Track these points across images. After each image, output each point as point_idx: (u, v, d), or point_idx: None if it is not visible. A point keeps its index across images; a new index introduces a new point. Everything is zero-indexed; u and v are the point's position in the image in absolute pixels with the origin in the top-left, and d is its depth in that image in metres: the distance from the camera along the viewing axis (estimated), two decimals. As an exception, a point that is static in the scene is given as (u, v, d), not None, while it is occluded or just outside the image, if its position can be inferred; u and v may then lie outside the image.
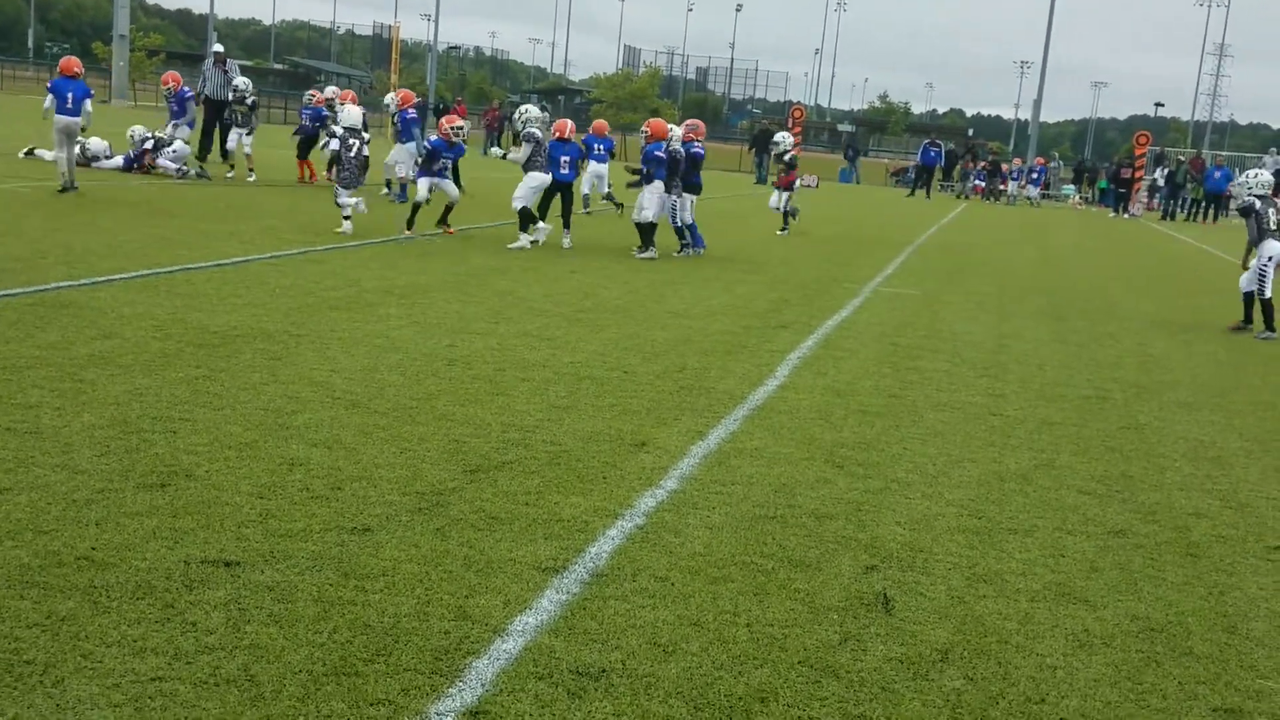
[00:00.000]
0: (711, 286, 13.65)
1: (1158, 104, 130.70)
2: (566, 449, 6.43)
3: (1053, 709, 3.96)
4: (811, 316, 12.04)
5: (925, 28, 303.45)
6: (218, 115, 22.37)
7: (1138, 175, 43.83)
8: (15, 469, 5.21)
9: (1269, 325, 13.45)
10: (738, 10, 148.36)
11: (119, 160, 20.83)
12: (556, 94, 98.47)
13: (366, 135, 16.09)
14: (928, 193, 44.17)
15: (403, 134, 20.39)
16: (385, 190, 20.90)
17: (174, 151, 20.75)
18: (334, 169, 16.80)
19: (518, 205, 15.57)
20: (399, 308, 10.10)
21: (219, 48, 23.67)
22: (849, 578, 4.95)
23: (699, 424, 7.25)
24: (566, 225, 16.28)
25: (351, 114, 15.80)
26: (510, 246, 15.33)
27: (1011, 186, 46.23)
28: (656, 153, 16.07)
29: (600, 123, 23.42)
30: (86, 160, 21.19)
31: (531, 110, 16.55)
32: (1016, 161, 53.36)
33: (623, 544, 5.10)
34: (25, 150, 21.28)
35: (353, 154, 15.33)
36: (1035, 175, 46.76)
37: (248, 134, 21.38)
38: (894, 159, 68.33)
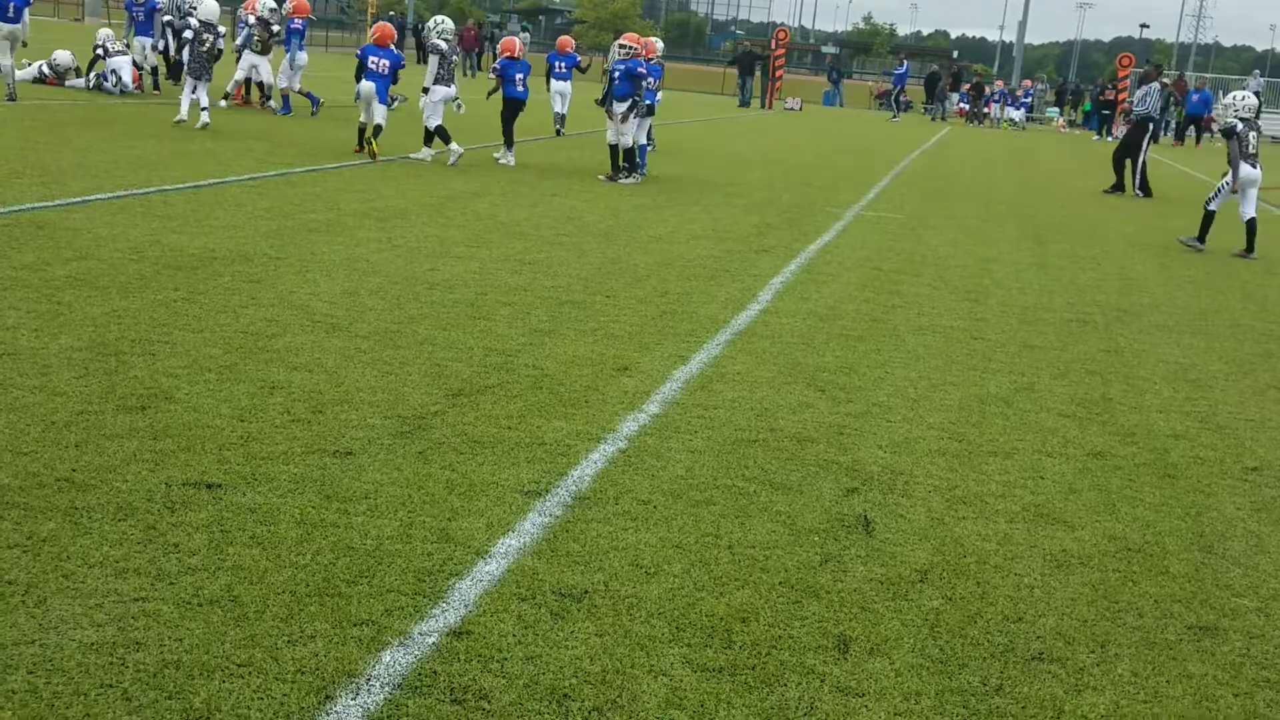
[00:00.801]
0: (693, 210, 13.58)
1: (1143, 25, 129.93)
2: (548, 373, 6.42)
3: (1030, 627, 4.01)
4: (794, 241, 12.00)
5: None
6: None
7: (1121, 98, 43.64)
8: (-7, 391, 5.18)
9: (1200, 236, 13.82)
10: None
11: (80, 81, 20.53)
12: (538, 14, 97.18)
13: (221, 30, 17.19)
14: (895, 111, 44.90)
15: (286, 44, 20.15)
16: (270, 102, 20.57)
17: (113, 70, 20.28)
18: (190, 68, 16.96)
19: (431, 124, 15.28)
20: (378, 231, 10.03)
21: None
22: (830, 500, 4.98)
23: (681, 348, 7.24)
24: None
25: (209, 8, 16.80)
26: (411, 156, 15.44)
27: (995, 109, 46.01)
28: (639, 69, 15.79)
29: (564, 39, 23.22)
30: (58, 76, 20.88)
31: (446, 24, 15.97)
32: (999, 84, 52.99)
33: (605, 468, 5.11)
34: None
35: (205, 48, 16.48)
36: (1023, 99, 46.57)
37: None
38: (878, 81, 67.76)
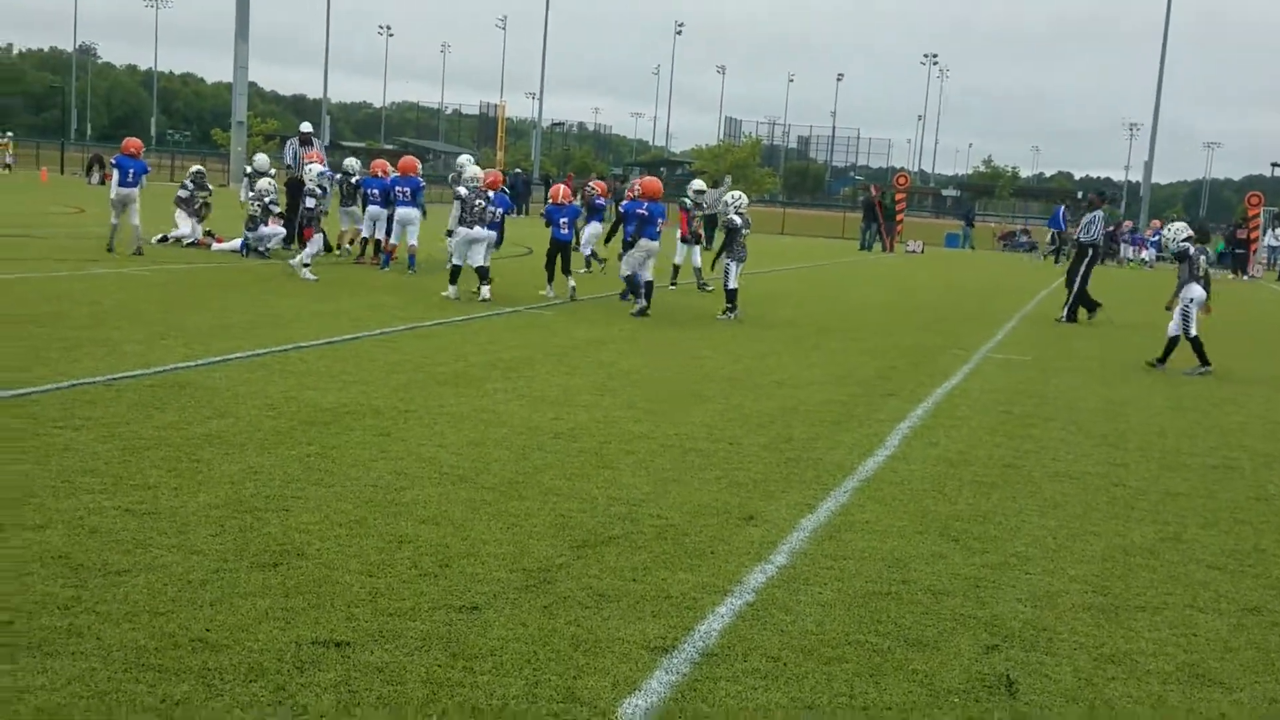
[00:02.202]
0: (813, 355, 13.54)
1: (1275, 164, 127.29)
2: (673, 523, 6.36)
3: (1191, 798, 3.77)
4: (919, 385, 11.85)
5: (1028, 91, 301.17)
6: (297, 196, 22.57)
7: (1253, 236, 42.82)
8: (133, 550, 5.29)
9: (1203, 362, 14.32)
10: (839, 80, 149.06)
11: (236, 243, 21.32)
12: (659, 166, 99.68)
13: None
14: (1056, 257, 43.40)
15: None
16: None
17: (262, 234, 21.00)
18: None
19: (458, 262, 16.62)
20: (504, 381, 10.16)
21: (307, 127, 23.98)
22: (969, 658, 4.79)
23: (808, 496, 7.13)
24: (566, 272, 17.71)
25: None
26: (443, 295, 16.43)
27: (1127, 250, 45.42)
28: (638, 210, 17.30)
29: (598, 183, 24.63)
30: (202, 240, 21.83)
31: (468, 170, 17.57)
32: (1128, 224, 52.43)
33: (733, 622, 5.00)
34: (158, 237, 21.79)
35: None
36: (1152, 238, 45.93)
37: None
38: (1001, 223, 67.50)
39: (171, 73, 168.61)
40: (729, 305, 16.70)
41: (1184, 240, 14.71)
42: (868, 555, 6.06)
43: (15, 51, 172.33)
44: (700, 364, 12.18)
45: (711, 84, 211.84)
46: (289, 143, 24.55)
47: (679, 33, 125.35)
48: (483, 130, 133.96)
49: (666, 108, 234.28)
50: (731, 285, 16.76)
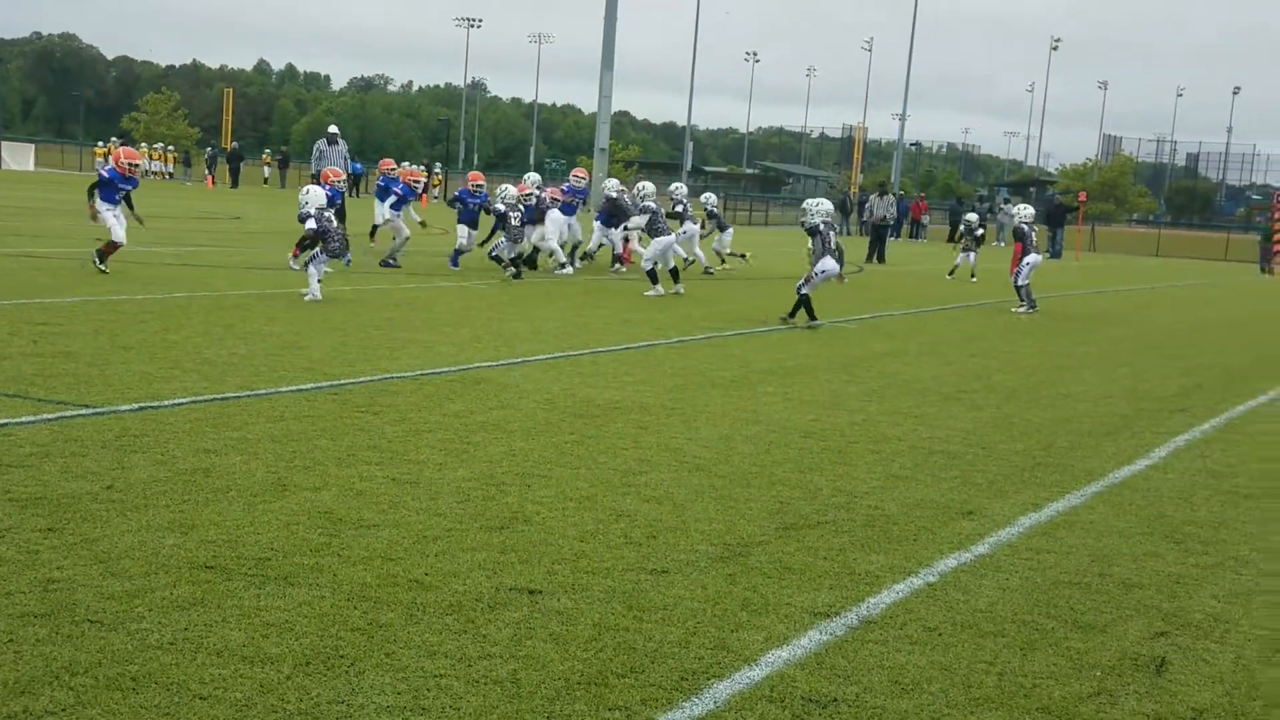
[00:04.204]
0: (1120, 371, 13.19)
1: None
2: (887, 514, 6.60)
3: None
4: (1222, 402, 11.38)
5: None
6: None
7: None
8: (387, 510, 6.08)
9: None
10: (1235, 93, 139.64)
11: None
12: (1028, 186, 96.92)
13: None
14: None
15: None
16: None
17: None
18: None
19: (647, 265, 18.63)
20: (778, 386, 10.57)
21: (333, 129, 26.75)
22: (1131, 641, 4.84)
23: (1038, 497, 7.18)
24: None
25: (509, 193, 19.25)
26: (646, 294, 17.93)
27: None
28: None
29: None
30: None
31: (648, 187, 21.36)
32: None
33: (905, 597, 5.24)
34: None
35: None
36: None
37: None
38: None
39: (553, 104, 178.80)
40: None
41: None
42: (1073, 550, 6.11)
43: (415, 88, 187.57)
44: (986, 376, 12.16)
45: (1092, 98, 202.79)
46: (316, 145, 26.76)
47: (1055, 48, 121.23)
48: (844, 153, 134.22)
49: (1039, 125, 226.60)
50: (1019, 282, 19.31)
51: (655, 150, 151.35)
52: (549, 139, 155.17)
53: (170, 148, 69.25)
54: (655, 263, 18.67)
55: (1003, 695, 4.25)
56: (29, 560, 4.95)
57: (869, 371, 11.91)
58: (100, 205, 15.98)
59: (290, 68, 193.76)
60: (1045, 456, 8.35)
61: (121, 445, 6.88)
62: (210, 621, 4.47)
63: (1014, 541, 6.20)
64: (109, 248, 15.85)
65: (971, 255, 27.51)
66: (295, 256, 15.91)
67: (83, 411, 7.65)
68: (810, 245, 15.77)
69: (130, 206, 16.63)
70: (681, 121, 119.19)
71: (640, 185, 22.74)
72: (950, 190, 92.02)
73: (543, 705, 3.99)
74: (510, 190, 19.53)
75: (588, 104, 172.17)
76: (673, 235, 19.42)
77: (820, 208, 15.94)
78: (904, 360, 12.94)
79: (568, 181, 23.70)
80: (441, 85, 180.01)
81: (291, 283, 15.63)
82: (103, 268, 15.68)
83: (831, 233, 15.79)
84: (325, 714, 3.83)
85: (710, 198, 25.52)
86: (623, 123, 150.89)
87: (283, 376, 9.34)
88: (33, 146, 70.24)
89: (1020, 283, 19.45)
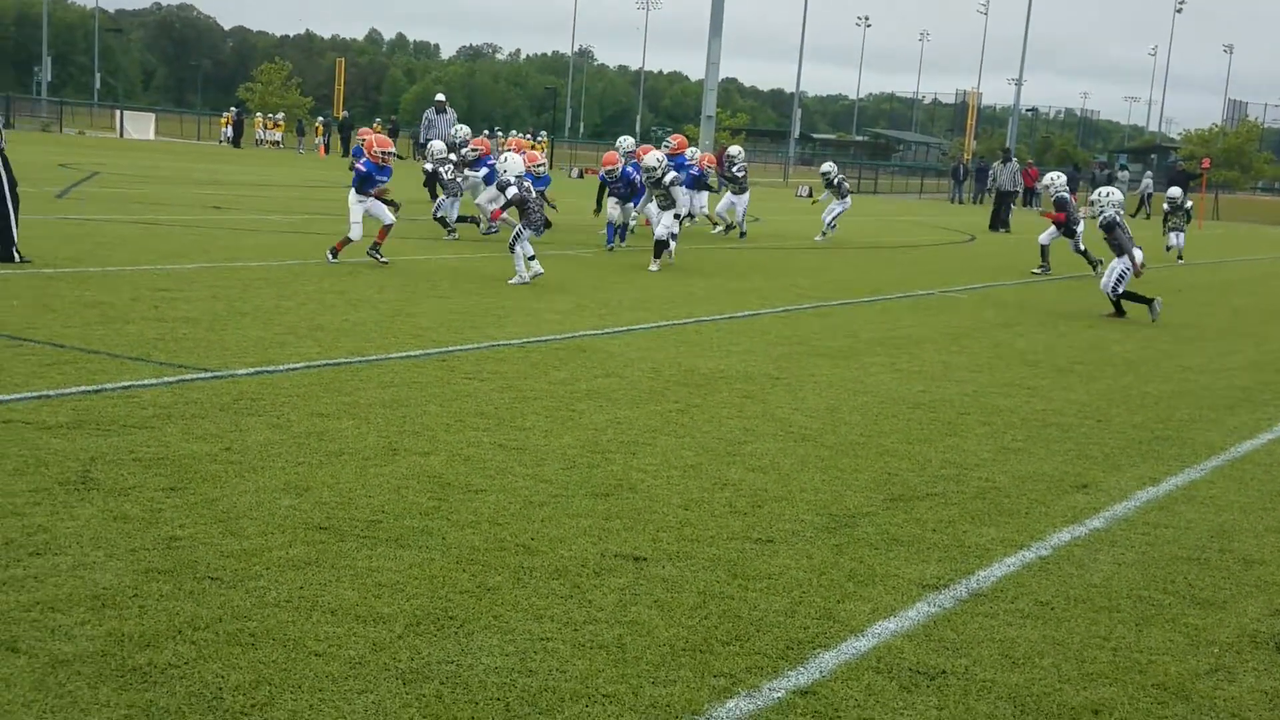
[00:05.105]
0: (1243, 343, 12.82)
1: None
2: (998, 486, 6.50)
3: None
4: (1349, 373, 10.99)
5: None
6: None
7: None
8: (495, 475, 6.14)
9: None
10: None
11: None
12: (1149, 152, 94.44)
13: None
14: None
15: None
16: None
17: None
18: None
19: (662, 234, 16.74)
20: (886, 356, 10.46)
21: (440, 96, 27.50)
22: (1251, 618, 4.72)
23: (1156, 470, 7.02)
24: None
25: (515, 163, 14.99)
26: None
27: None
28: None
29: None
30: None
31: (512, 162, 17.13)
32: None
33: (1016, 571, 5.16)
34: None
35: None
36: None
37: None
38: None
39: (660, 71, 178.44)
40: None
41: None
42: (1193, 526, 5.96)
43: (523, 56, 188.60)
44: (1103, 347, 11.90)
45: (1216, 63, 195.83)
46: (425, 113, 27.44)
47: (1179, 10, 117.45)
48: (957, 119, 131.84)
49: (1161, 90, 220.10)
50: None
51: (763, 117, 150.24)
52: (655, 107, 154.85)
53: (282, 116, 70.45)
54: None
55: (1116, 670, 4.17)
56: (152, 518, 5.10)
57: (980, 342, 11.72)
58: (352, 198, 14.77)
59: (400, 37, 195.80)
60: (1163, 430, 8.16)
61: (239, 408, 7.05)
62: (325, 581, 4.56)
63: (1130, 516, 6.07)
64: (343, 244, 14.55)
65: (1178, 236, 24.40)
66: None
67: (202, 375, 7.85)
68: (1111, 239, 14.39)
69: (386, 202, 15.13)
70: (790, 88, 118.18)
71: (731, 150, 22.72)
72: (1067, 157, 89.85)
73: (648, 671, 4.00)
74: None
75: (694, 71, 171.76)
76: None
77: (1112, 198, 14.91)
78: (1016, 331, 12.72)
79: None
80: (549, 54, 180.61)
81: (400, 250, 15.84)
82: (335, 261, 14.47)
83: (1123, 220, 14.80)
84: (435, 673, 3.89)
85: (830, 168, 24.91)
86: (730, 90, 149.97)
87: (392, 343, 9.48)
88: (153, 116, 71.92)
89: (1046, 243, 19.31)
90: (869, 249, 23.00)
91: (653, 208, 18.31)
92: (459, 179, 19.18)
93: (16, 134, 56.67)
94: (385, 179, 14.90)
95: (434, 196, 19.91)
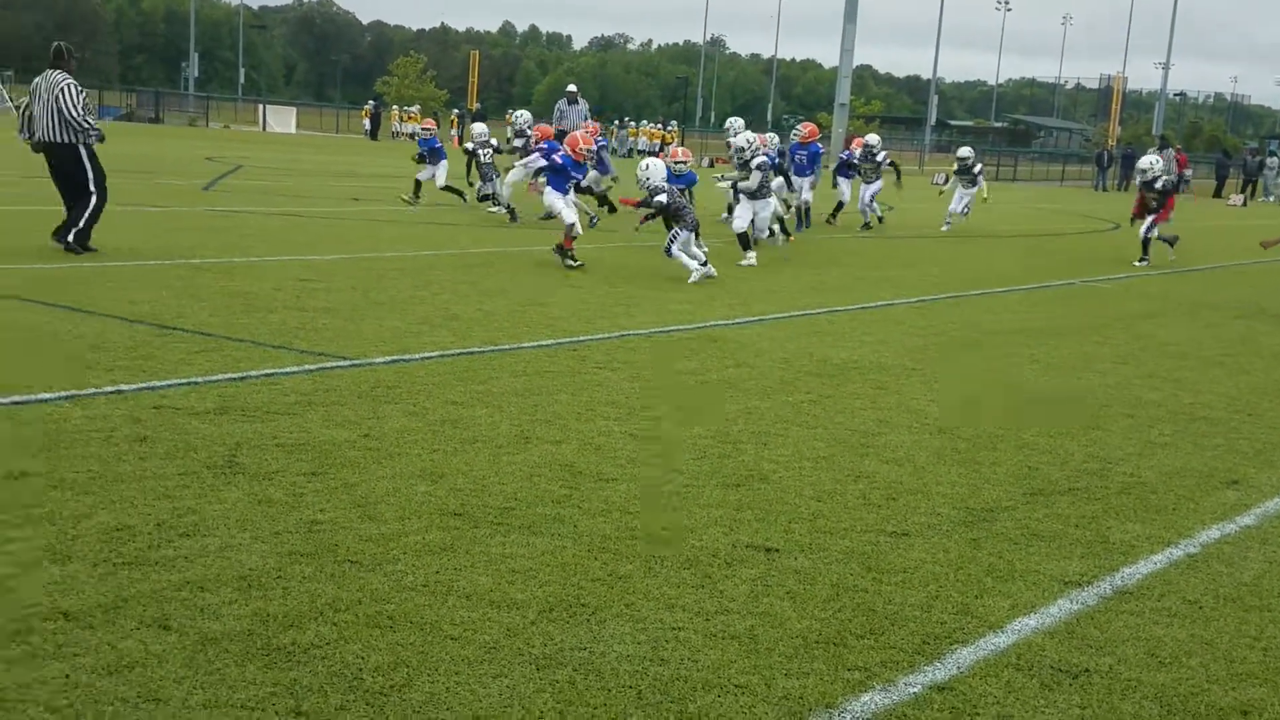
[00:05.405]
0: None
1: None
2: (1143, 481, 6.31)
3: None
4: None
5: None
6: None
7: None
8: (625, 465, 6.16)
9: None
10: None
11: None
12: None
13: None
14: None
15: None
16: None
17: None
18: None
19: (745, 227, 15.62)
20: (1024, 348, 10.23)
21: (572, 88, 27.78)
22: None
23: (1311, 467, 6.74)
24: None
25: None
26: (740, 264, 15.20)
27: None
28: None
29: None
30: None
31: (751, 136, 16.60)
32: None
33: (1163, 568, 5.00)
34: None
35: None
36: None
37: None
38: None
39: (792, 59, 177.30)
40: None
41: None
42: (1352, 524, 5.71)
43: (654, 46, 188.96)
44: (1254, 340, 11.48)
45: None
46: (557, 104, 27.39)
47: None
48: (1100, 104, 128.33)
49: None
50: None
51: (898, 104, 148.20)
52: (787, 95, 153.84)
53: (418, 109, 71.67)
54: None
55: (1267, 671, 4.02)
56: (295, 502, 5.22)
57: (1123, 333, 11.40)
58: (550, 194, 14.37)
59: (533, 29, 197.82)
60: (1318, 425, 7.83)
61: (376, 396, 7.18)
62: (460, 566, 4.62)
63: (1282, 514, 5.84)
64: (569, 240, 13.97)
65: None
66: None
67: (341, 363, 8.02)
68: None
69: (588, 191, 15.13)
70: (926, 74, 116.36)
71: (869, 139, 22.43)
72: (1216, 142, 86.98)
73: (780, 662, 3.97)
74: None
75: (828, 59, 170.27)
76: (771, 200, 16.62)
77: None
78: (1161, 322, 12.33)
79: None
80: (680, 43, 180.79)
81: (528, 240, 15.98)
82: (573, 263, 13.81)
83: None
84: (568, 660, 3.91)
85: (969, 152, 24.14)
86: (864, 77, 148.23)
87: (525, 332, 9.57)
88: (294, 110, 73.79)
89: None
90: (1007, 238, 22.54)
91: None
92: (514, 160, 19.61)
93: (165, 128, 58.73)
94: (580, 175, 14.65)
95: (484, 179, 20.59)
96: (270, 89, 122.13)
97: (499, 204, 19.77)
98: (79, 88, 12.57)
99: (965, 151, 23.94)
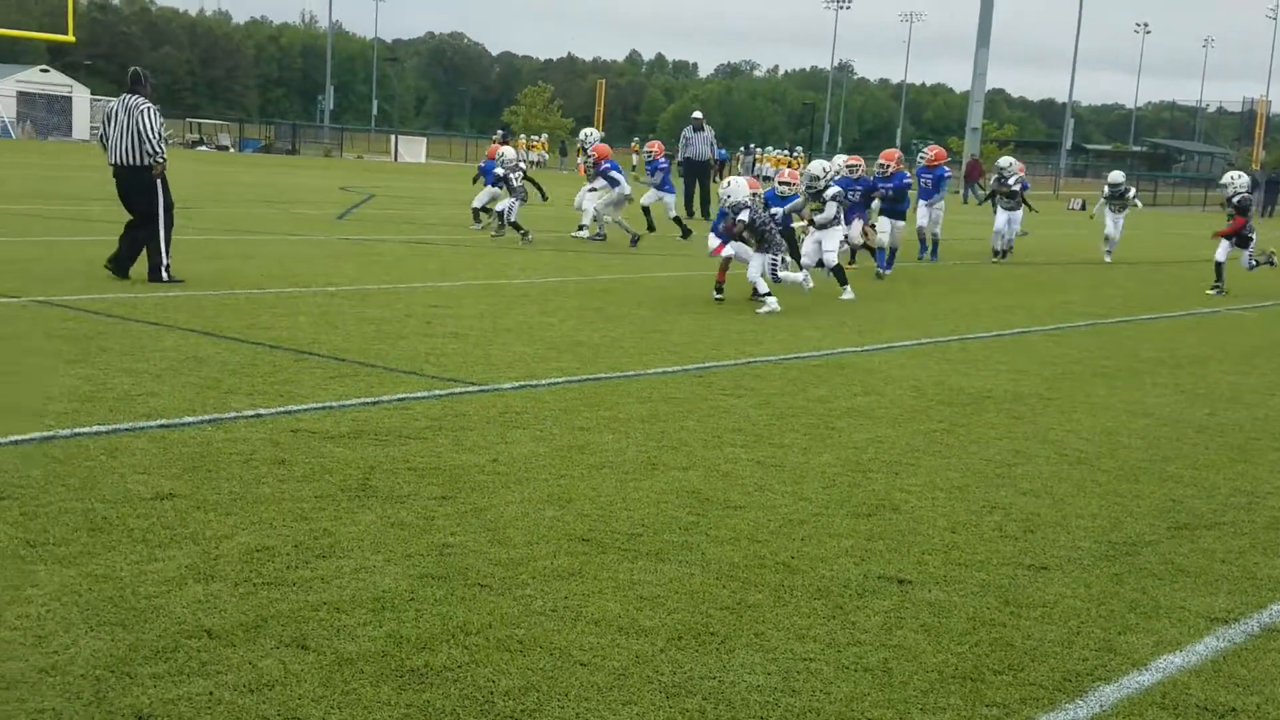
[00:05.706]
0: None
1: None
2: (1294, 516, 6.06)
3: None
4: None
5: None
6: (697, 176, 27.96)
7: None
8: (753, 492, 6.11)
9: None
10: None
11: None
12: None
13: None
14: None
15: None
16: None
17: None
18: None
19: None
20: (1169, 377, 9.93)
21: (698, 114, 29.30)
22: None
23: None
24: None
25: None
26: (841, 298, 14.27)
27: None
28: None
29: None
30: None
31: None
32: None
33: (1317, 608, 4.79)
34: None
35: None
36: None
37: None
38: None
39: (923, 84, 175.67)
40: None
41: None
42: None
43: (780, 72, 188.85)
44: None
45: None
46: (682, 131, 29.22)
47: None
48: (1244, 127, 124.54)
49: None
50: None
51: (1031, 128, 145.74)
52: (916, 119, 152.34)
53: (545, 137, 72.63)
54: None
55: None
56: (426, 525, 5.28)
57: (1272, 362, 11.00)
58: (714, 240, 13.54)
59: (660, 57, 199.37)
60: None
61: (504, 421, 7.25)
62: (588, 592, 4.62)
63: None
64: (722, 272, 13.41)
65: None
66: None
67: (469, 389, 8.11)
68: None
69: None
70: (1061, 98, 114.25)
71: (1001, 161, 21.88)
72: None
73: (915, 697, 3.89)
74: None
75: (959, 83, 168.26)
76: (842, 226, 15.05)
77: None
78: (1309, 350, 11.88)
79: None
80: (807, 68, 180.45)
81: (651, 267, 16.02)
82: (717, 295, 13.48)
83: None
84: (698, 688, 3.88)
85: (1119, 178, 22.97)
86: (996, 100, 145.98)
87: (649, 359, 9.58)
88: (424, 140, 75.43)
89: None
90: (1147, 264, 21.97)
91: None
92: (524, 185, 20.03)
93: (301, 159, 60.37)
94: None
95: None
96: (402, 120, 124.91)
97: (506, 224, 20.00)
98: (158, 112, 12.59)
99: (1117, 176, 23.08)
